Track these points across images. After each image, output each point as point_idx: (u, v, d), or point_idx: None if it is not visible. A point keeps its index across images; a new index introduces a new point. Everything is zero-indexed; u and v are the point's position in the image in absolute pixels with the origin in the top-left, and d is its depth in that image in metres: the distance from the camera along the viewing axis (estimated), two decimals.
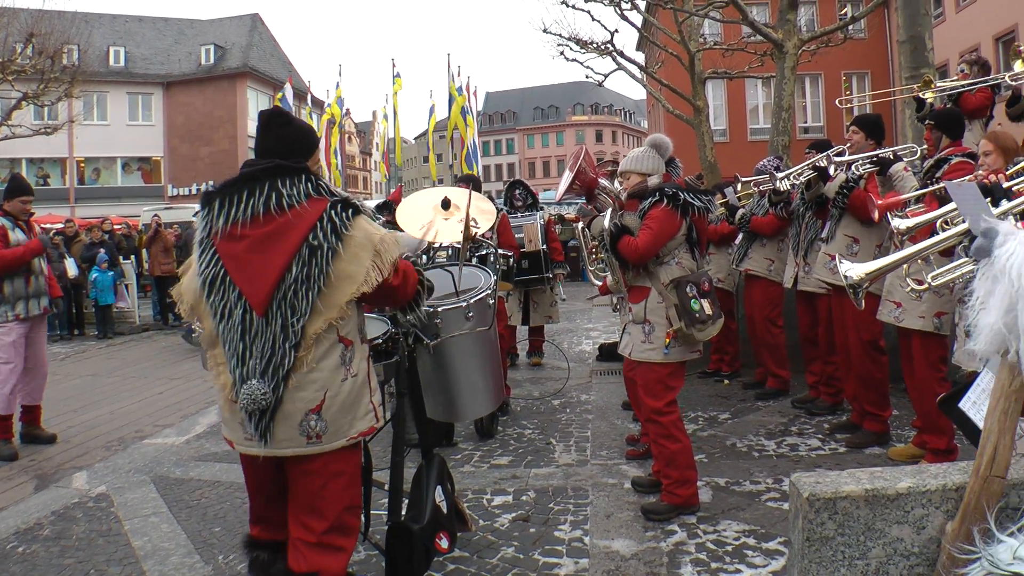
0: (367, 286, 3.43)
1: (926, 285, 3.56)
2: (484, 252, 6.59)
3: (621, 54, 27.45)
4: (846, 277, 3.39)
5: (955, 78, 9.24)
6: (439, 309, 4.72)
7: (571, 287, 19.56)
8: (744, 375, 9.87)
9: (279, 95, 32.97)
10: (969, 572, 2.23)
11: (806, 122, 38.66)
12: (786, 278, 8.39)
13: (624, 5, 25.52)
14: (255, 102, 55.32)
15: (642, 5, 26.49)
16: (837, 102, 13.17)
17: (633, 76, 28.92)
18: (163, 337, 17.84)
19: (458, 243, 5.21)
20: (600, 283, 7.11)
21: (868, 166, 6.98)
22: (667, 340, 5.57)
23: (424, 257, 6.12)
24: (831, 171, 7.14)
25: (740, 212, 9.17)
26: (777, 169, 8.36)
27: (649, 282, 5.69)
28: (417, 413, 4.80)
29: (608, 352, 11.27)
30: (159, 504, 6.41)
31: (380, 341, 4.42)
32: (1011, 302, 2.28)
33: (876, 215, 5.62)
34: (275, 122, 3.64)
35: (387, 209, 11.08)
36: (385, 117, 29.22)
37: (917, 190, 6.06)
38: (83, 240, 19.00)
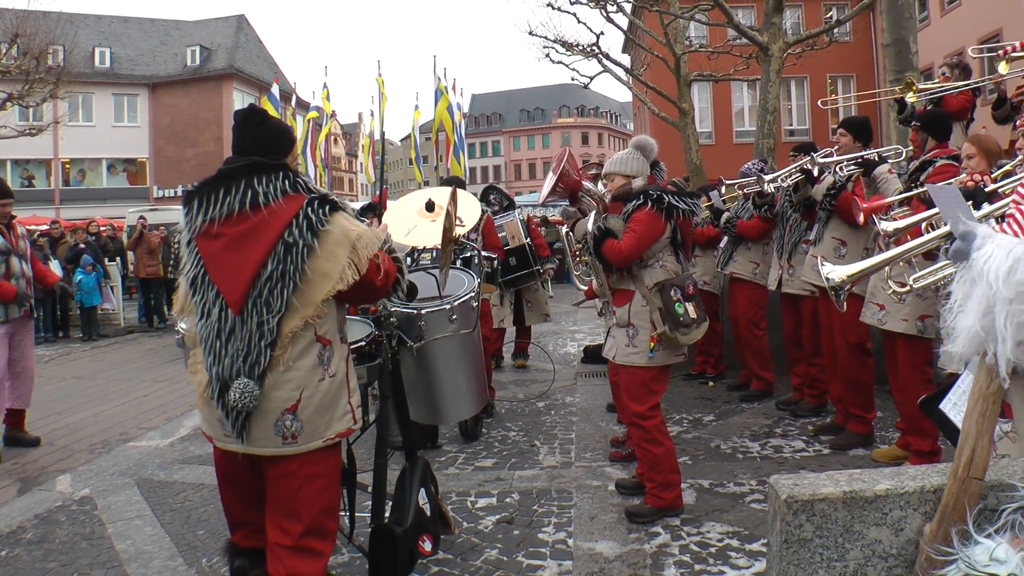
0: (343, 284, 3.43)
1: (908, 287, 3.58)
2: (468, 254, 6.59)
3: (607, 56, 27.49)
4: (828, 279, 3.41)
5: (937, 81, 9.28)
6: (423, 312, 4.72)
7: (556, 289, 19.55)
8: (729, 377, 9.89)
9: (264, 98, 32.89)
10: (947, 573, 2.24)
11: (791, 125, 38.73)
12: (770, 280, 8.41)
13: (610, 7, 25.58)
14: (241, 103, 54.93)
15: (628, 7, 26.54)
16: (820, 103, 13.21)
17: (619, 78, 28.94)
18: (148, 339, 17.77)
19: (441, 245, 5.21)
20: (585, 287, 7.11)
21: (853, 168, 7.00)
22: (651, 344, 5.55)
23: (409, 259, 6.13)
24: (815, 173, 7.14)
25: (725, 215, 9.19)
26: (762, 172, 8.38)
27: (633, 285, 5.67)
28: (400, 415, 4.80)
29: (593, 354, 11.28)
30: (143, 507, 6.39)
31: (364, 343, 4.42)
32: (988, 305, 2.29)
33: (861, 218, 5.64)
34: (251, 120, 3.64)
35: (372, 211, 11.07)
36: (373, 114, 29.15)
37: (901, 192, 6.08)
38: (68, 242, 18.92)
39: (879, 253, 3.79)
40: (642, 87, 28.16)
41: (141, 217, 21.23)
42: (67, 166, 54.00)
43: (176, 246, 18.48)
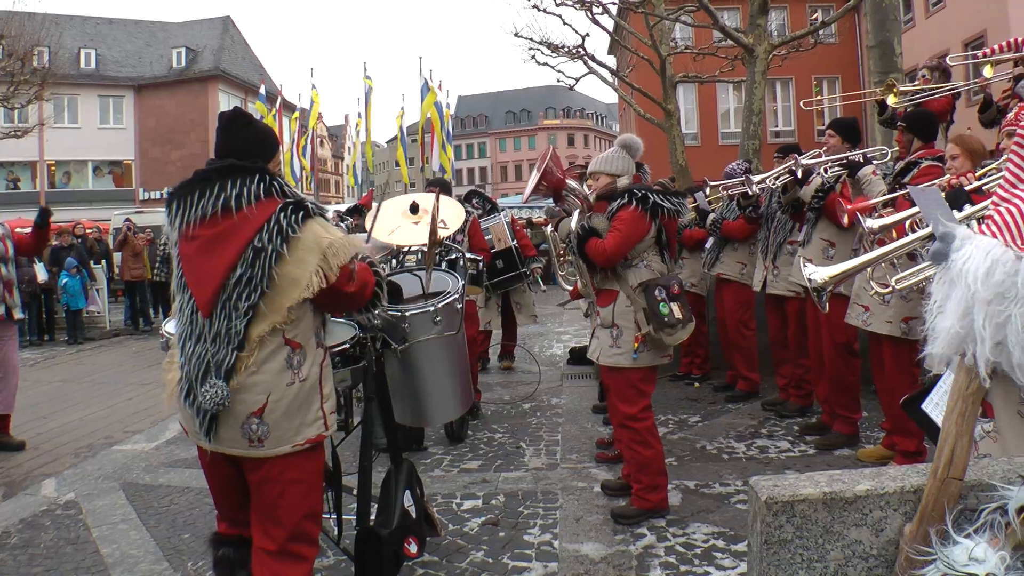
0: (309, 291, 3.41)
1: (890, 288, 3.59)
2: (453, 256, 6.59)
3: (592, 58, 27.47)
4: (810, 280, 3.42)
5: (918, 83, 9.31)
6: (407, 313, 4.71)
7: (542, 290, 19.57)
8: (714, 378, 9.90)
9: (258, 102, 32.82)
10: (926, 573, 2.25)
11: (777, 126, 38.79)
12: (755, 281, 8.42)
13: (595, 9, 25.55)
14: (227, 105, 54.50)
15: (613, 9, 26.53)
16: (802, 104, 13.26)
17: (604, 80, 28.94)
18: (134, 342, 17.73)
19: (426, 246, 5.20)
20: (571, 288, 7.09)
21: (837, 169, 7.01)
22: (635, 344, 5.54)
23: (394, 261, 6.12)
24: (800, 174, 7.16)
25: (711, 216, 9.21)
26: (747, 172, 8.40)
27: (617, 285, 5.66)
28: (385, 418, 4.79)
29: (579, 356, 11.27)
30: (128, 511, 6.37)
31: (348, 345, 4.42)
32: (967, 306, 2.30)
33: (845, 220, 5.65)
34: (236, 123, 3.64)
35: (357, 213, 11.07)
36: (359, 115, 29.14)
37: (885, 194, 6.10)
38: (54, 242, 18.85)
39: (864, 254, 3.80)
40: (628, 89, 28.18)
41: (127, 220, 21.16)
42: (52, 168, 53.72)
43: (162, 248, 18.44)
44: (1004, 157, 5.51)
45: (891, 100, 8.62)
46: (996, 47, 7.77)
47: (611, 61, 38.76)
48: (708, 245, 9.39)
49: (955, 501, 2.34)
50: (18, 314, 8.54)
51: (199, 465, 3.82)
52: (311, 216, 3.48)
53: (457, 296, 5.04)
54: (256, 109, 31.52)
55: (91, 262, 19.34)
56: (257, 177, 3.45)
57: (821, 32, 24.19)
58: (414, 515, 4.63)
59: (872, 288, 3.92)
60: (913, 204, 4.14)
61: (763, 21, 16.46)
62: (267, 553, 3.49)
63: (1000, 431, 2.86)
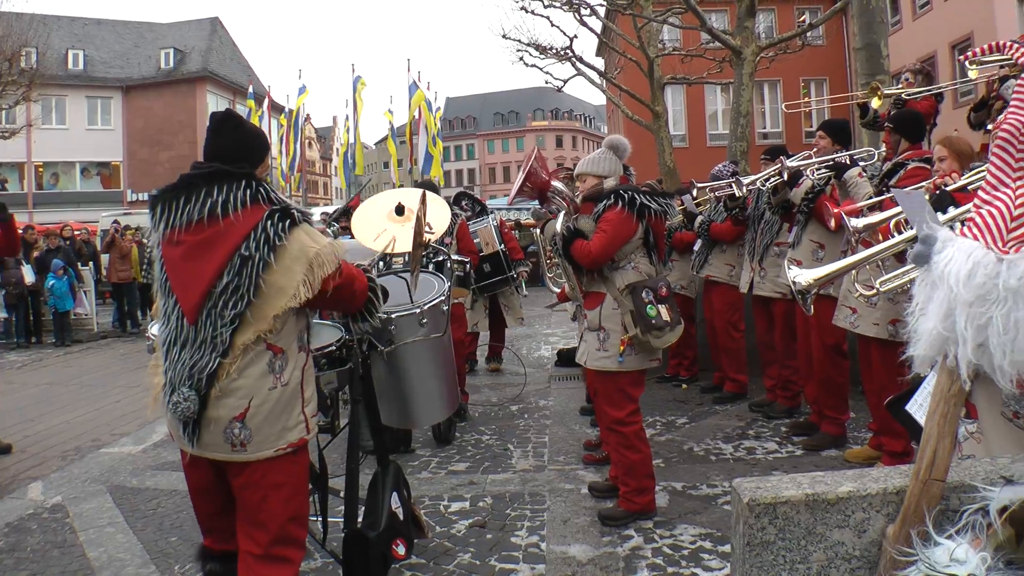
0: (295, 301, 3.40)
1: (875, 290, 3.60)
2: (440, 259, 6.58)
3: (580, 60, 27.54)
4: (794, 283, 3.43)
5: (900, 87, 9.34)
6: (393, 316, 4.71)
7: (530, 292, 19.53)
8: (702, 379, 9.91)
9: (250, 101, 32.77)
10: (908, 574, 2.26)
11: (765, 128, 38.90)
12: (742, 283, 8.43)
13: (583, 11, 25.63)
14: (215, 106, 54.63)
15: (601, 11, 26.61)
16: (784, 107, 13.30)
17: (592, 82, 28.99)
18: (122, 344, 17.66)
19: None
20: (558, 290, 7.09)
21: (823, 171, 7.03)
22: (621, 348, 5.52)
23: (381, 264, 6.11)
24: (786, 177, 7.17)
25: (699, 219, 9.22)
26: (734, 174, 8.41)
27: (604, 288, 5.64)
28: (372, 420, 4.78)
29: (566, 358, 11.29)
30: (115, 514, 6.35)
31: (334, 348, 4.41)
32: (949, 308, 2.31)
33: (832, 223, 5.66)
34: (227, 125, 3.62)
35: (346, 216, 11.04)
36: (347, 118, 29.14)
37: (872, 196, 6.10)
38: (41, 247, 18.77)
39: (849, 256, 3.81)
40: (616, 90, 28.27)
41: (115, 221, 21.10)
42: (40, 169, 53.56)
43: (151, 250, 18.34)
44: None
45: (875, 103, 8.65)
46: (981, 48, 7.79)
47: (599, 63, 38.80)
48: (696, 247, 9.40)
49: (937, 502, 2.34)
50: (1, 314, 8.52)
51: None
52: (297, 224, 3.46)
53: (443, 298, 5.03)
54: (247, 107, 31.51)
55: (79, 264, 19.26)
56: (244, 183, 3.43)
57: (809, 34, 24.23)
58: (401, 517, 4.63)
59: (857, 290, 3.93)
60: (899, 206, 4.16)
61: (751, 23, 16.53)
62: (253, 557, 3.48)
63: (984, 432, 2.87)
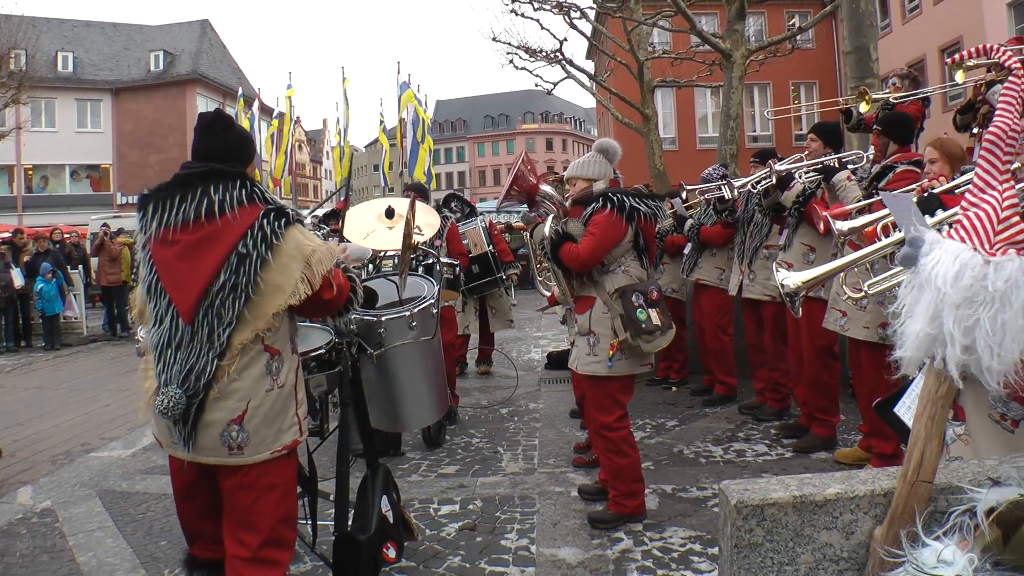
0: (295, 298, 3.40)
1: (863, 293, 3.61)
2: (430, 261, 6.58)
3: (570, 62, 27.56)
4: (783, 285, 3.43)
5: (888, 91, 9.36)
6: (382, 319, 4.70)
7: (520, 295, 19.55)
8: (692, 382, 9.92)
9: (241, 104, 32.68)
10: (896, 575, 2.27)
11: (755, 131, 38.97)
12: (731, 286, 8.45)
13: (573, 14, 25.66)
14: (205, 109, 54.34)
15: (591, 14, 26.64)
16: (766, 113, 13.34)
17: (582, 84, 29.01)
18: (112, 348, 17.60)
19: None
20: (548, 293, 7.09)
21: (812, 174, 7.04)
22: (611, 352, 5.50)
23: (371, 266, 6.11)
24: (775, 180, 7.18)
25: (689, 222, 9.23)
26: (723, 177, 8.42)
27: (594, 291, 5.61)
28: (361, 423, 4.78)
29: (557, 360, 11.30)
30: (104, 519, 6.33)
31: (324, 351, 4.41)
32: (936, 310, 2.32)
33: (822, 226, 5.66)
34: (216, 126, 3.61)
35: (335, 218, 11.05)
36: (338, 120, 29.11)
37: (861, 199, 6.11)
38: (30, 250, 18.70)
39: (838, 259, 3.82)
40: (606, 93, 28.27)
41: (104, 224, 21.03)
42: (30, 172, 53.41)
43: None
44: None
45: (863, 107, 8.66)
46: (969, 51, 7.81)
47: (589, 66, 38.80)
48: (687, 251, 9.40)
49: (924, 504, 2.35)
50: None
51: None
52: (292, 223, 3.47)
53: (433, 301, 5.03)
54: (236, 107, 31.47)
55: (68, 267, 19.20)
56: (239, 182, 3.43)
57: (798, 37, 24.33)
58: (391, 520, 4.63)
59: (845, 293, 3.93)
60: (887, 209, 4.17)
61: (740, 26, 16.57)
62: (240, 560, 3.46)
63: (972, 434, 2.88)
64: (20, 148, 48.60)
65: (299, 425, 3.61)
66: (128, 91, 55.43)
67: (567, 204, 5.90)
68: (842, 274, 3.85)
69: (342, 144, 29.28)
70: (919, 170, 5.88)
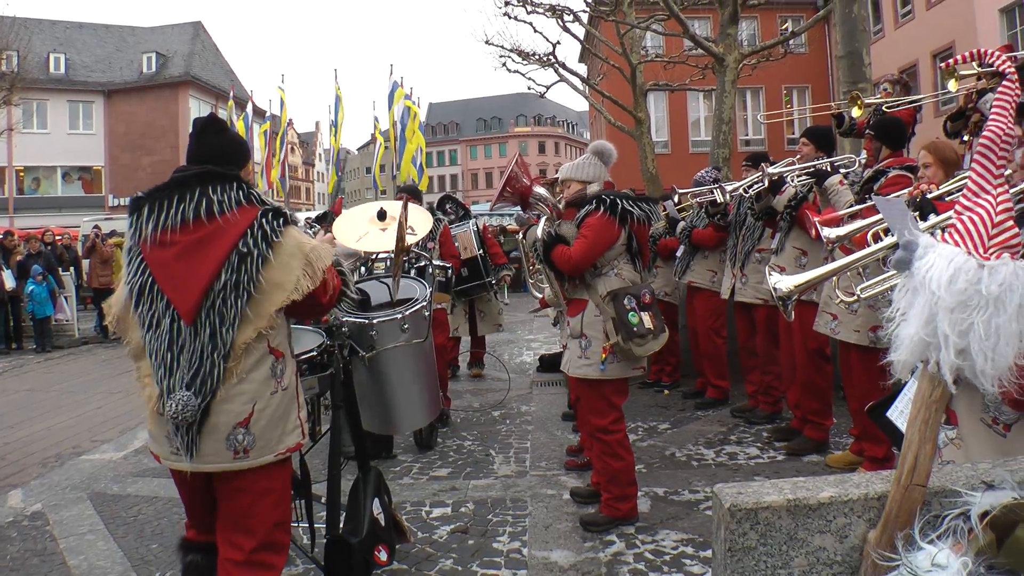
0: (297, 294, 3.41)
1: (855, 297, 3.61)
2: (422, 264, 6.57)
3: (563, 66, 27.59)
4: (775, 289, 3.42)
5: (880, 96, 9.38)
6: (374, 321, 4.70)
7: (512, 297, 19.56)
8: (684, 385, 9.92)
9: (231, 103, 32.62)
10: None
11: (747, 135, 39.03)
12: (723, 289, 8.45)
13: (566, 17, 25.69)
14: (197, 111, 54.45)
15: (584, 17, 26.68)
16: (759, 117, 13.38)
17: (575, 88, 29.05)
18: (103, 350, 17.51)
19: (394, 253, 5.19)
20: (540, 295, 7.08)
21: (805, 178, 7.04)
22: (603, 355, 5.49)
23: (362, 268, 6.10)
24: (767, 184, 7.19)
25: (681, 224, 9.23)
26: (716, 181, 8.43)
27: (587, 294, 5.61)
28: (353, 425, 4.77)
29: (549, 363, 11.30)
30: (96, 521, 6.31)
31: (315, 353, 4.40)
32: (931, 313, 2.31)
33: (813, 232, 5.67)
34: (211, 129, 3.61)
35: (327, 220, 11.03)
36: (332, 123, 29.06)
37: (853, 203, 6.12)
38: (21, 252, 18.64)
39: (831, 263, 3.82)
40: (598, 96, 28.29)
41: (95, 226, 20.98)
42: (21, 174, 53.23)
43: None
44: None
45: (855, 112, 8.68)
46: (963, 56, 7.82)
47: (582, 69, 38.95)
48: (679, 253, 9.41)
49: (918, 507, 2.35)
50: None
51: (167, 474, 3.77)
52: (289, 222, 3.50)
53: (425, 303, 5.02)
54: (227, 110, 31.42)
55: (59, 269, 19.15)
56: (236, 184, 3.45)
57: (791, 42, 24.41)
58: (383, 523, 4.62)
59: (838, 297, 3.94)
60: (878, 214, 4.17)
61: (733, 31, 16.61)
62: (233, 563, 3.45)
63: (963, 438, 2.88)
64: (12, 149, 48.43)
65: (301, 427, 3.61)
66: (120, 93, 55.33)
67: (560, 206, 5.89)
68: (835, 278, 3.86)
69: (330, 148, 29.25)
70: (911, 175, 5.88)
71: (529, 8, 25.40)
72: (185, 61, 56.67)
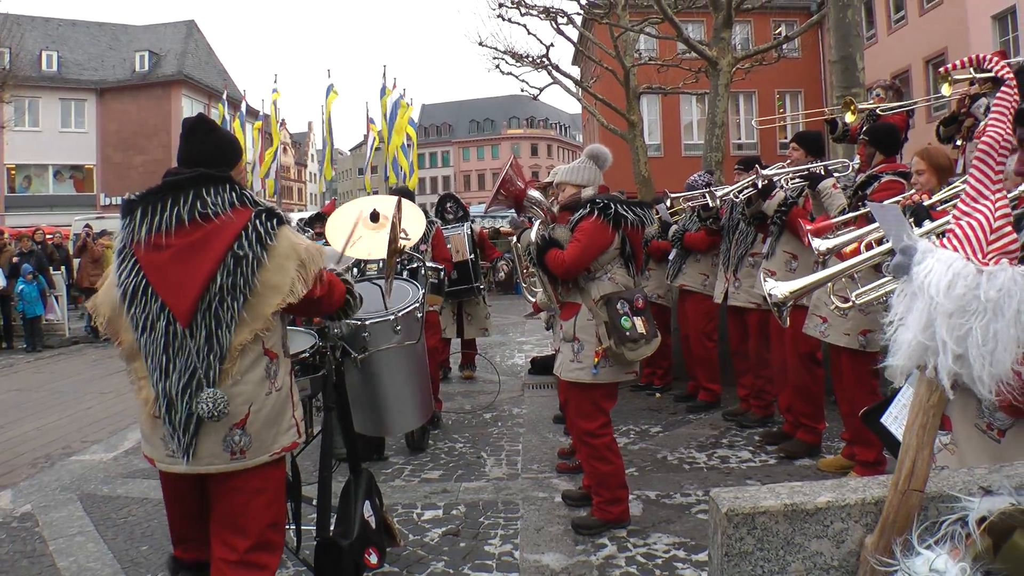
0: (293, 296, 3.41)
1: (850, 303, 3.60)
2: (415, 265, 6.55)
3: (557, 68, 27.65)
4: (771, 295, 3.42)
5: (872, 102, 9.40)
6: (367, 322, 4.69)
7: (505, 300, 19.55)
8: (676, 388, 9.91)
9: (220, 105, 32.56)
10: None
11: (740, 138, 39.10)
12: (716, 293, 8.45)
13: (560, 19, 25.74)
14: (190, 111, 54.37)
15: (578, 20, 26.70)
16: (754, 122, 13.40)
17: (568, 90, 29.12)
18: (94, 350, 17.45)
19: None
20: (534, 299, 7.06)
21: (798, 181, 7.05)
22: (596, 359, 5.48)
23: (355, 270, 6.08)
24: (760, 186, 7.19)
25: (673, 228, 9.24)
26: (708, 184, 8.43)
27: (580, 298, 5.60)
28: (345, 427, 4.76)
29: (540, 365, 11.29)
30: (85, 523, 6.28)
31: (308, 354, 4.39)
32: (929, 318, 2.31)
33: (806, 240, 5.67)
34: (200, 130, 3.60)
35: (319, 221, 11.01)
36: (324, 123, 29.02)
37: (846, 207, 6.13)
38: (12, 251, 18.58)
39: (825, 268, 3.81)
40: (591, 99, 28.33)
41: (86, 226, 20.92)
42: (12, 172, 53.08)
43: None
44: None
45: (849, 117, 8.70)
46: (961, 61, 7.84)
47: (575, 71, 38.99)
48: (671, 257, 9.41)
49: (916, 512, 2.34)
50: None
51: (157, 476, 3.74)
52: (283, 223, 3.49)
53: (417, 305, 5.01)
54: (217, 112, 31.36)
55: (50, 268, 19.08)
56: (228, 186, 3.44)
57: (784, 46, 24.42)
58: (374, 525, 4.61)
59: (833, 302, 3.93)
60: (872, 221, 4.17)
61: (727, 34, 16.62)
62: (227, 563, 3.44)
63: (958, 444, 2.88)
64: (3, 147, 48.35)
65: (296, 427, 3.62)
66: (113, 91, 55.21)
67: (555, 210, 5.88)
68: (829, 283, 3.85)
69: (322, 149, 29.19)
70: (904, 180, 5.89)
71: (523, 10, 25.43)
72: (178, 60, 56.58)
